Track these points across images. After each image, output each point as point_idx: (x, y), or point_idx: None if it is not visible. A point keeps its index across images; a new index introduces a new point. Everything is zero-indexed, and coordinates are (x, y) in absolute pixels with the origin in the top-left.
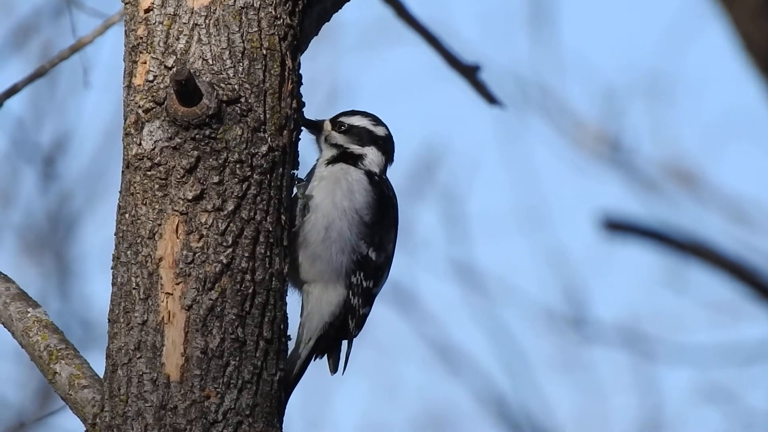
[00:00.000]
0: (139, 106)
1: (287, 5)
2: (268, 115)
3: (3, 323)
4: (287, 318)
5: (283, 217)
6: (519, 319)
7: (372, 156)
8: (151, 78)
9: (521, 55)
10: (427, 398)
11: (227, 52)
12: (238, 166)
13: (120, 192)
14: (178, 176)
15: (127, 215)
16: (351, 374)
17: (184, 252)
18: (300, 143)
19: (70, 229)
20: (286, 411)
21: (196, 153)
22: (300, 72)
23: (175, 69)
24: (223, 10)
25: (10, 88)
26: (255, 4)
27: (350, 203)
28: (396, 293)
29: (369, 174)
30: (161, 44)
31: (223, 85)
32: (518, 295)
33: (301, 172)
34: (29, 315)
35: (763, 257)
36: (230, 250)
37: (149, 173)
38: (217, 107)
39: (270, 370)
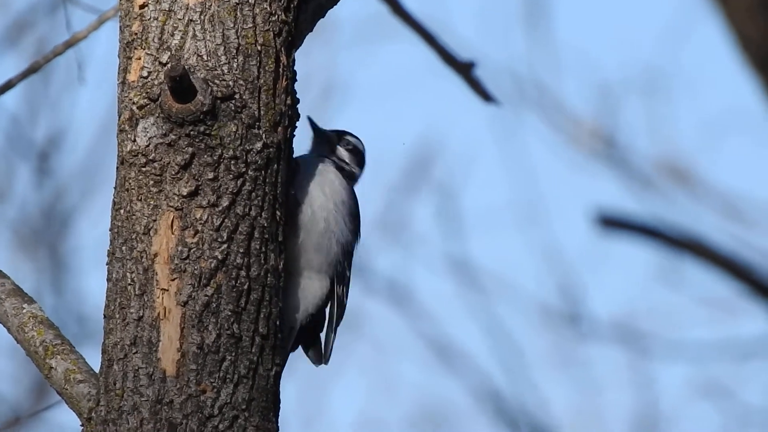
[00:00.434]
0: (134, 103)
1: (282, 1)
2: (262, 112)
3: None
4: (283, 314)
5: (278, 213)
6: (515, 315)
7: (359, 177)
8: (145, 74)
9: (517, 52)
10: (424, 395)
11: (222, 48)
12: (232, 162)
13: (115, 188)
14: (173, 172)
15: (122, 211)
16: (347, 371)
17: (180, 248)
18: (295, 140)
19: (65, 224)
20: (281, 406)
21: (190, 149)
22: (295, 68)
23: (169, 65)
24: (217, 6)
25: (5, 83)
26: (250, 0)
27: (338, 195)
28: (392, 289)
29: (339, 169)
30: (156, 40)
31: (217, 81)
32: (514, 291)
33: None
34: (25, 311)
35: (759, 254)
36: (225, 246)
37: (144, 169)
38: (211, 104)
39: (266, 365)
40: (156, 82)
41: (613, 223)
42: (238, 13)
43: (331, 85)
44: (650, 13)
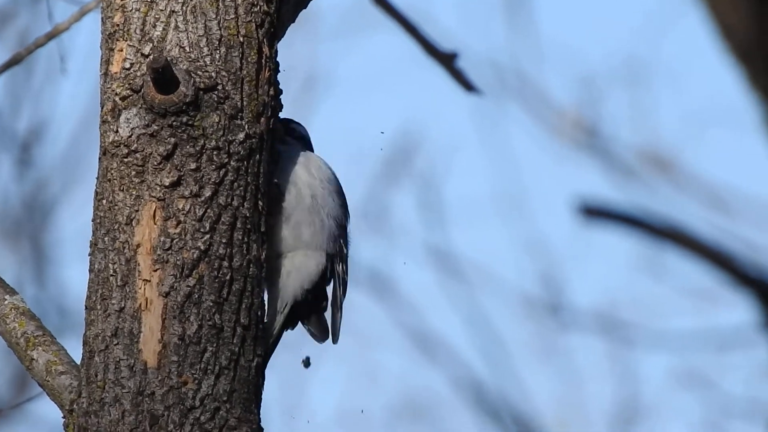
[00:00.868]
0: (116, 94)
1: None
2: (245, 103)
3: None
4: (264, 304)
5: (260, 204)
6: (497, 305)
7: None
8: (127, 65)
9: (499, 43)
10: (405, 385)
11: (204, 40)
12: (215, 152)
13: (97, 178)
14: (155, 163)
15: (104, 201)
16: (329, 361)
17: (162, 238)
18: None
19: (47, 215)
20: (263, 397)
21: (173, 140)
22: (277, 59)
23: (151, 56)
24: None
25: None
26: None
27: (324, 173)
28: (373, 280)
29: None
30: (138, 31)
31: (200, 72)
32: (496, 281)
33: None
34: (6, 302)
35: (741, 244)
36: (208, 236)
37: (126, 160)
38: (194, 95)
39: (247, 356)
40: (138, 74)
41: (595, 213)
42: (220, 4)
43: (314, 76)
44: (633, 4)
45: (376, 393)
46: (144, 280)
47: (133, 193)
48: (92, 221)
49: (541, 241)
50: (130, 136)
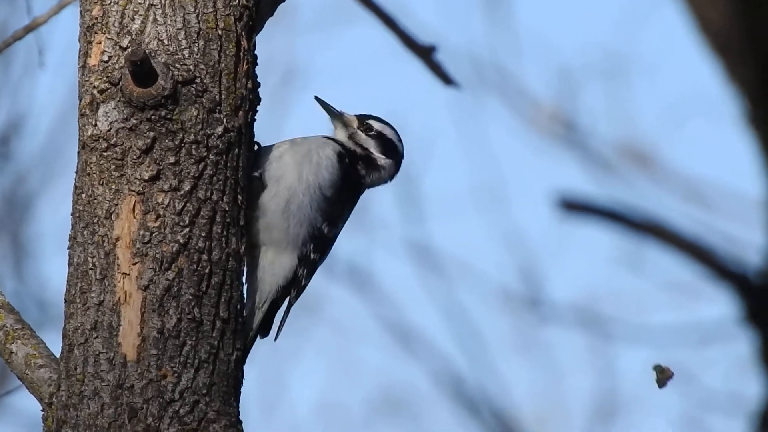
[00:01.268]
0: (94, 87)
1: None
2: (223, 96)
3: None
4: (243, 298)
5: (239, 197)
6: (476, 299)
7: (388, 169)
8: (106, 58)
9: (477, 36)
10: (384, 379)
11: (183, 33)
12: (194, 146)
13: (76, 172)
14: (135, 157)
15: (83, 195)
16: (307, 355)
17: (141, 232)
18: (255, 123)
19: (26, 209)
20: (242, 391)
21: (152, 134)
22: (255, 52)
23: (130, 49)
24: None
25: None
26: None
27: (315, 178)
28: (352, 273)
29: (340, 156)
30: (116, 24)
31: (178, 65)
32: (475, 275)
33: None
34: None
35: (720, 237)
36: (187, 230)
37: (105, 154)
38: (172, 88)
39: (227, 349)
40: (117, 67)
41: (574, 206)
42: None
43: (292, 69)
44: None
45: (355, 387)
46: (123, 273)
47: (113, 187)
48: (71, 215)
49: (520, 234)
50: (109, 130)
